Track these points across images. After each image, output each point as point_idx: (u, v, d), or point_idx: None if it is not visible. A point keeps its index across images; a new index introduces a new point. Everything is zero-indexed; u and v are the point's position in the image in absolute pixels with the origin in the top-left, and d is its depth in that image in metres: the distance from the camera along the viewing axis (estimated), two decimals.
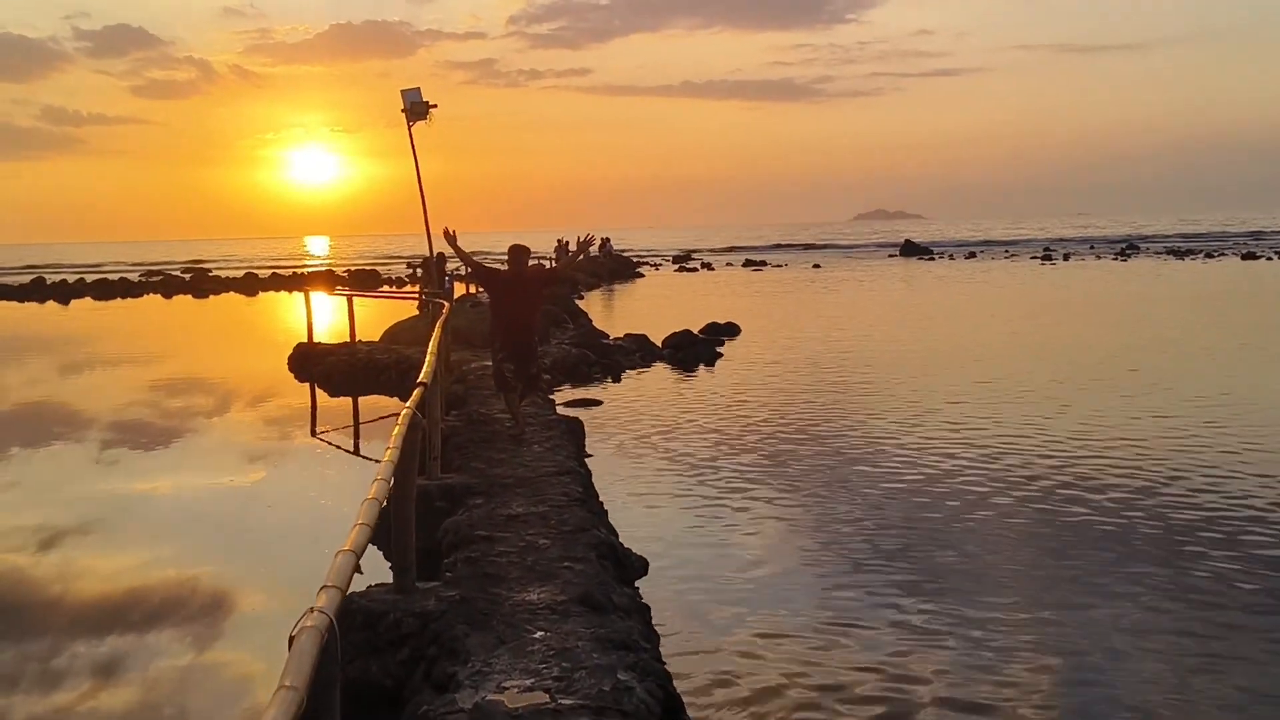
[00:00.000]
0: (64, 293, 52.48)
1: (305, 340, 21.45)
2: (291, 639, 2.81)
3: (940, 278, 49.60)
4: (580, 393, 17.14)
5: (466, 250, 10.35)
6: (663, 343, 22.02)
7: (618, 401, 16.29)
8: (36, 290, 52.80)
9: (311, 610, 2.94)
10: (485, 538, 7.23)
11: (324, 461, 13.93)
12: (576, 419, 12.52)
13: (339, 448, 14.63)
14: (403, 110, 22.54)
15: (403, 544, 5.93)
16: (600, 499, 9.53)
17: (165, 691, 6.46)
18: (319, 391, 18.71)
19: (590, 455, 11.92)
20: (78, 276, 60.00)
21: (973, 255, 73.34)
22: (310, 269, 73.58)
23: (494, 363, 10.49)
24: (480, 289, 10.65)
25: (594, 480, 10.07)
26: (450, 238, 9.92)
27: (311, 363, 20.26)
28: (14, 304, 47.88)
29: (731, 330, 25.20)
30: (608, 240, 59.00)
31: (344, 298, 22.91)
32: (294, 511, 10.98)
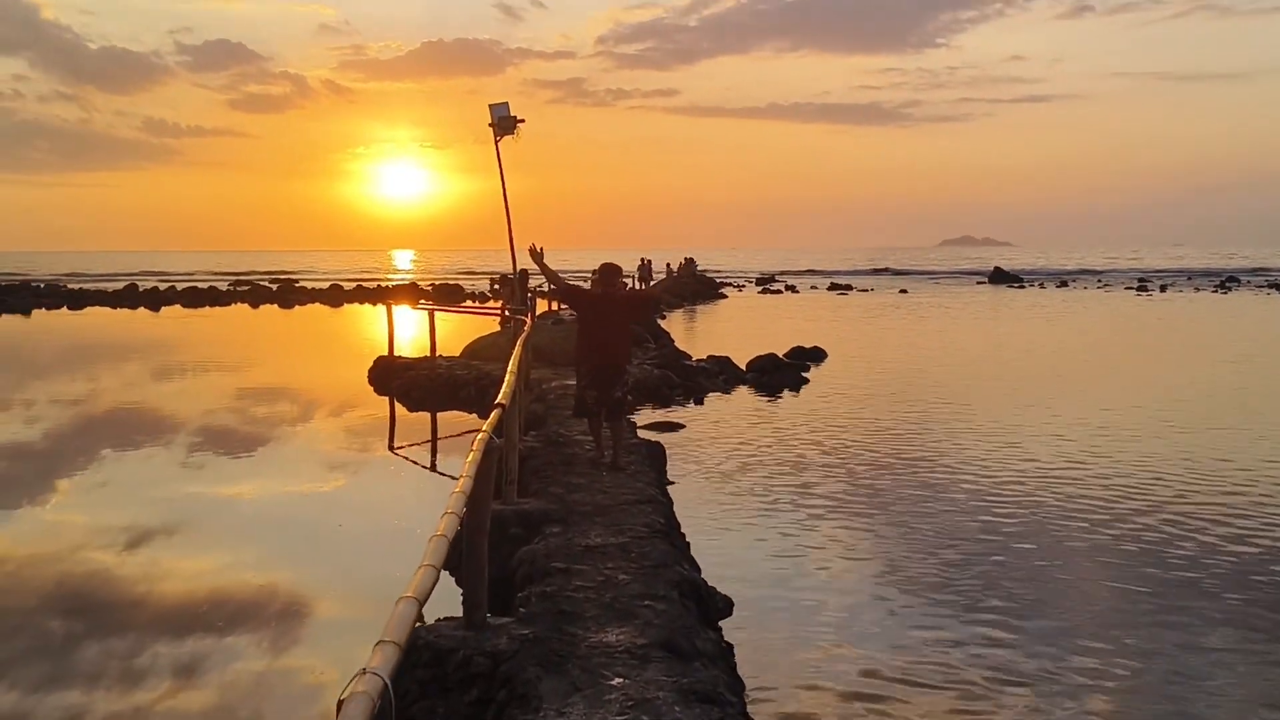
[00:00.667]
0: (155, 300, 53.66)
1: (385, 354, 21.39)
2: (340, 704, 2.44)
3: (1030, 306, 48.24)
4: (662, 415, 16.72)
5: (552, 268, 9.88)
6: (746, 366, 21.52)
7: (700, 425, 15.84)
8: (129, 297, 54.06)
9: (364, 672, 2.56)
10: (562, 570, 6.83)
11: (400, 476, 13.75)
12: (658, 443, 12.11)
13: (416, 463, 14.43)
14: (490, 125, 22.37)
15: (475, 577, 5.55)
16: (682, 530, 9.12)
17: (240, 695, 6.53)
18: (398, 405, 18.61)
19: (672, 482, 11.51)
20: (169, 284, 61.41)
21: (1064, 284, 71.40)
22: (394, 282, 74.42)
23: (577, 387, 9.91)
24: (565, 307, 10.05)
25: (675, 508, 9.66)
26: (536, 255, 9.51)
27: (391, 376, 20.17)
28: (107, 309, 49.05)
29: (817, 355, 24.59)
30: (691, 260, 58.59)
31: (425, 312, 22.77)
32: (369, 524, 10.84)
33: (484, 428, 5.95)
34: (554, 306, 25.08)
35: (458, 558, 5.35)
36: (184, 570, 9.07)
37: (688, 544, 8.45)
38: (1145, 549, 9.28)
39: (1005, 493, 11.32)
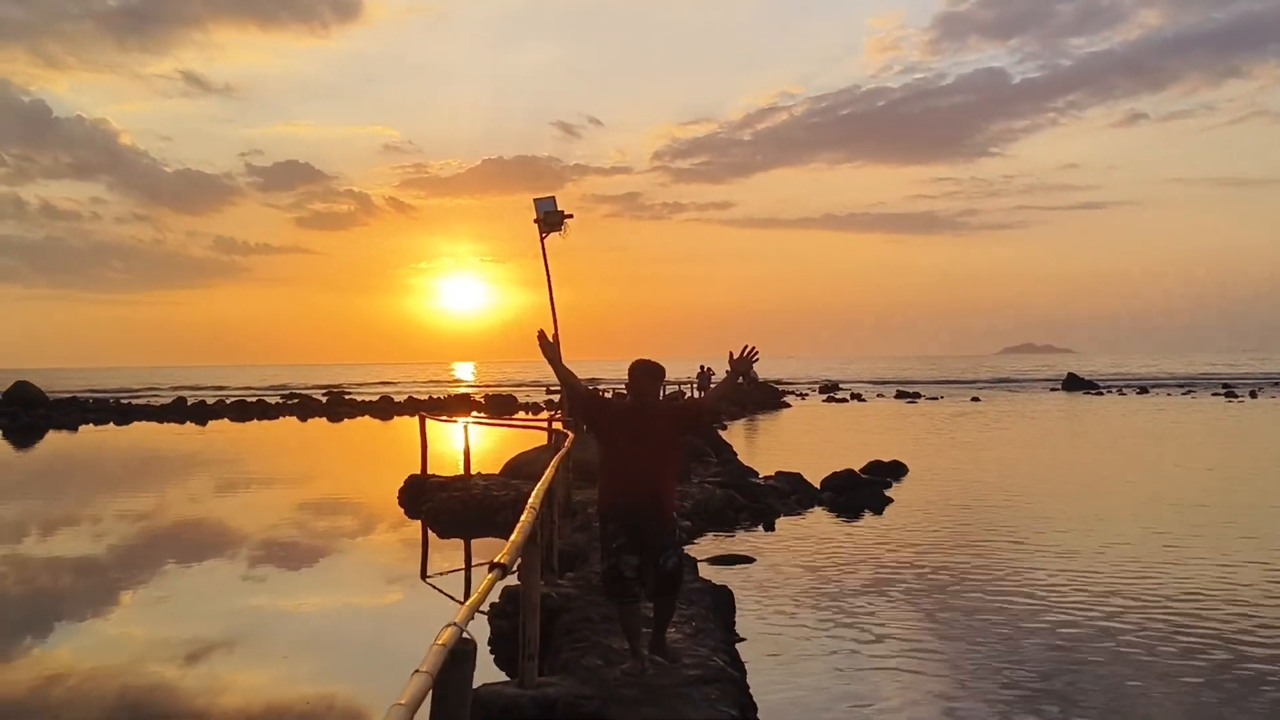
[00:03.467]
0: (202, 414, 52.50)
1: (418, 471, 19.36)
2: None
3: (1114, 414, 45.16)
4: (726, 544, 14.39)
5: (572, 372, 6.80)
6: (821, 483, 19.12)
7: (772, 557, 13.43)
8: (176, 411, 53.00)
9: None
10: None
11: (432, 609, 11.58)
12: (724, 588, 9.77)
13: (449, 595, 12.23)
14: (535, 220, 20.63)
15: None
16: (758, 712, 6.81)
17: None
18: (431, 530, 16.53)
19: (743, 639, 9.14)
20: (217, 398, 60.39)
21: (1144, 390, 67.94)
22: (447, 393, 72.93)
23: (603, 548, 6.68)
24: (586, 425, 6.44)
25: (749, 676, 7.35)
26: (546, 345, 6.64)
27: (423, 497, 18.08)
28: (154, 424, 47.85)
29: (897, 470, 22.07)
30: (752, 370, 56.10)
31: (462, 425, 20.65)
32: (390, 665, 8.66)
33: (460, 614, 3.72)
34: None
35: None
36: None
37: None
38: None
39: (1134, 639, 8.79)
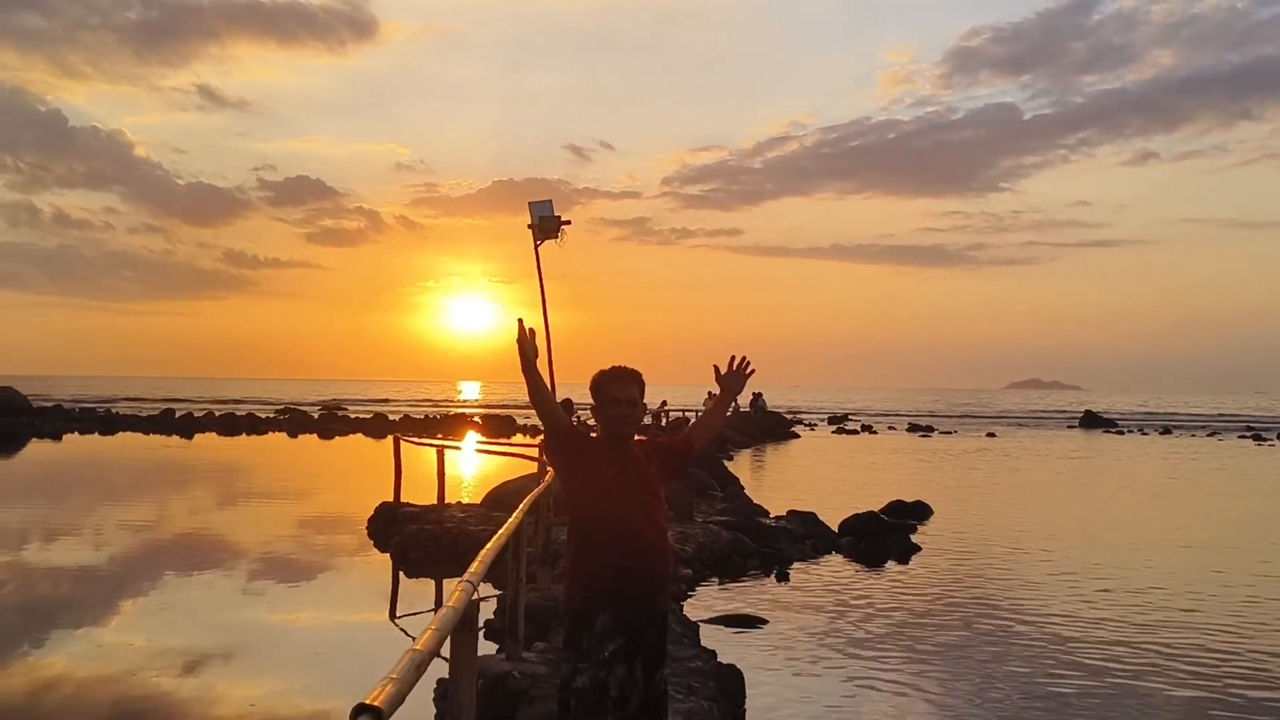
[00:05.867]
0: (189, 426, 50.55)
1: (391, 499, 17.40)
2: None
3: (1144, 456, 43.00)
4: (732, 596, 12.40)
5: (548, 389, 4.50)
6: (839, 527, 17.09)
7: (788, 618, 11.33)
8: (162, 422, 51.10)
9: None
10: None
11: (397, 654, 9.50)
12: (732, 670, 7.77)
13: (413, 639, 10.20)
14: (530, 226, 18.60)
15: None
16: None
17: None
18: (399, 566, 14.58)
19: None
20: (205, 410, 58.39)
21: (1167, 431, 65.63)
22: (443, 412, 70.85)
23: (580, 655, 4.18)
24: (557, 471, 4.80)
25: None
26: (524, 341, 4.28)
27: (393, 528, 16.11)
28: (139, 434, 45.94)
29: (921, 512, 20.02)
30: (759, 395, 54.21)
31: (436, 449, 18.59)
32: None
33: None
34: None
35: None
36: None
37: None
38: None
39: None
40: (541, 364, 4.46)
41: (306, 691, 8.80)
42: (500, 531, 6.22)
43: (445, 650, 4.00)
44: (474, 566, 4.82)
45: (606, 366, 4.42)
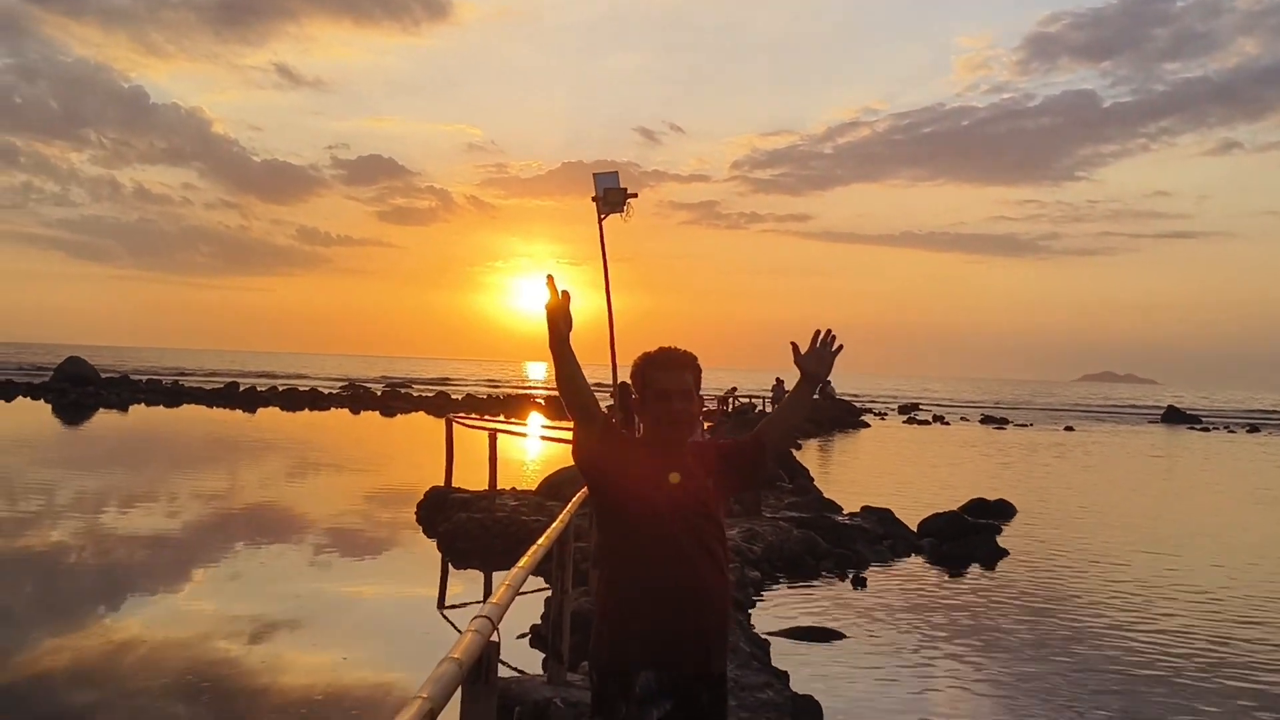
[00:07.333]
0: (252, 400, 50.51)
1: (442, 484, 16.60)
2: None
3: (1236, 456, 40.90)
4: (805, 601, 11.32)
5: (580, 371, 3.23)
6: (918, 526, 15.89)
7: (868, 632, 10.20)
8: (226, 396, 51.13)
9: None
10: None
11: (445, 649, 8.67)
12: (809, 700, 6.71)
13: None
14: (594, 198, 17.57)
15: None
16: None
17: None
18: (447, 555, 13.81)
19: None
20: (269, 385, 58.39)
21: (1255, 429, 62.89)
22: (506, 393, 70.36)
23: (601, 714, 3.16)
24: (588, 478, 3.40)
25: None
26: (555, 308, 3.08)
27: (442, 514, 15.28)
28: (203, 407, 45.95)
29: (1004, 511, 18.74)
30: (828, 382, 52.83)
31: (488, 432, 17.71)
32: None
33: None
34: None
35: None
36: None
37: None
38: None
39: None
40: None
41: (369, 664, 8.81)
42: (539, 542, 5.22)
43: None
44: (496, 595, 3.79)
45: (652, 349, 3.34)
